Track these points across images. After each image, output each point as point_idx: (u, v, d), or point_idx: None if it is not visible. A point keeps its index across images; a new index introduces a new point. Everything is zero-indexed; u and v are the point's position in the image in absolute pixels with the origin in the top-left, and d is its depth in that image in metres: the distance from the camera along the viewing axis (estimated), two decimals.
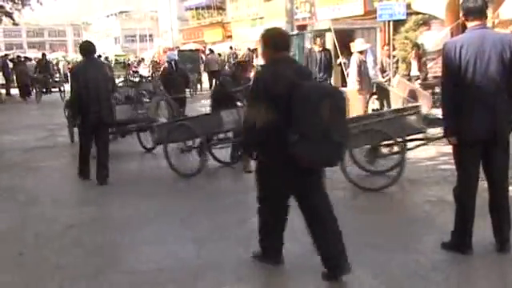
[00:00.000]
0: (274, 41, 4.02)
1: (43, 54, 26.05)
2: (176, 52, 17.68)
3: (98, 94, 7.08)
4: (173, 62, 11.70)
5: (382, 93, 10.91)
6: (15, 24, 29.07)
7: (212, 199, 6.40)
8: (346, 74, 13.29)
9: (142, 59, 38.43)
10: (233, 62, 28.52)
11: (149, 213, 5.87)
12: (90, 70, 7.16)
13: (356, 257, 4.39)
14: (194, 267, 4.33)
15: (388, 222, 5.29)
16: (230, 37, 36.93)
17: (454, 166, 4.38)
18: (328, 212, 4.01)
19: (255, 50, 26.20)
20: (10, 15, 26.78)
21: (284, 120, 3.69)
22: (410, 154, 8.15)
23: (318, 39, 11.24)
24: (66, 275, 4.31)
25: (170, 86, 10.67)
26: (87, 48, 7.35)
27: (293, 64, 4.10)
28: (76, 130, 8.22)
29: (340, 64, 14.48)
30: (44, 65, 23.21)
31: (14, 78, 23.79)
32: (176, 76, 11.18)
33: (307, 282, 3.99)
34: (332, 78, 12.01)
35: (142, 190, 6.94)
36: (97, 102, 7.07)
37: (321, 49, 11.00)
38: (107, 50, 59.54)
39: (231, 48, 29.89)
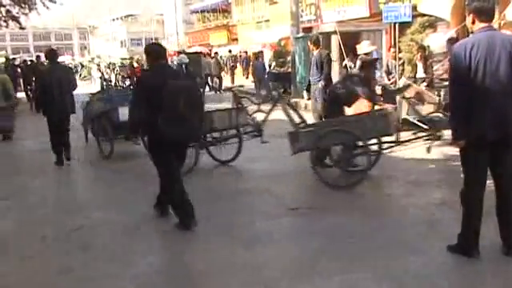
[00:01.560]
0: (153, 52, 5.50)
1: (38, 57, 23.82)
2: (185, 55, 17.50)
3: (61, 91, 8.67)
4: (183, 66, 11.84)
5: (388, 95, 10.86)
6: (22, 28, 29.12)
7: (217, 202, 6.39)
8: None
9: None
10: (231, 64, 28.66)
11: (155, 216, 5.86)
12: (56, 73, 8.78)
13: (360, 260, 4.38)
14: (199, 271, 4.33)
15: (393, 224, 5.26)
16: (236, 40, 37.02)
17: (459, 168, 4.36)
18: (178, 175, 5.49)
19: (261, 52, 26.25)
20: (16, 19, 26.89)
21: (157, 108, 5.03)
22: (415, 156, 8.15)
23: (308, 41, 11.17)
24: (71, 278, 4.32)
25: None
26: (53, 54, 9.22)
27: (166, 69, 5.63)
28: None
29: (345, 67, 14.41)
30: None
31: (21, 81, 23.65)
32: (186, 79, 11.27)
33: (316, 284, 3.98)
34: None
35: (149, 194, 6.94)
36: (60, 98, 8.66)
37: (317, 51, 10.92)
38: (113, 53, 59.72)
39: (230, 51, 29.97)
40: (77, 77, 34.96)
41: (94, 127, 9.94)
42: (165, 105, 5.05)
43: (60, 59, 45.65)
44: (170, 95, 5.07)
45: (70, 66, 37.01)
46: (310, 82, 11.17)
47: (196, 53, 28.90)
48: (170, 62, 28.38)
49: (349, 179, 6.77)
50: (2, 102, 12.07)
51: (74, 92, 9.14)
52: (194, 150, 7.54)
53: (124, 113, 9.20)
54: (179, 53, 26.73)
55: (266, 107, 8.83)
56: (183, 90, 5.20)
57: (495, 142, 4.07)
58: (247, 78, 28.53)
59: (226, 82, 25.64)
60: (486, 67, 3.98)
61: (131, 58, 31.99)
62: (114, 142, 9.23)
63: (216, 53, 28.95)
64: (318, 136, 6.74)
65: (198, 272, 4.30)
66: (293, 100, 16.49)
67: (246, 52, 30.88)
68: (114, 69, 37.89)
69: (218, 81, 24.58)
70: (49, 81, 8.71)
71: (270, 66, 24.39)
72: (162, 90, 5.05)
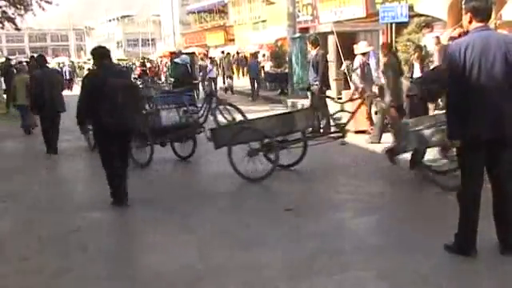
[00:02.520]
0: (98, 54, 6.43)
1: (32, 57, 21.39)
2: (187, 56, 17.26)
3: (51, 91, 9.79)
4: (188, 66, 11.87)
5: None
6: (17, 29, 28.95)
7: (215, 202, 6.39)
8: (348, 77, 13.26)
9: (212, 59, 28.54)
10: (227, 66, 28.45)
11: (152, 217, 5.86)
12: (47, 75, 10.11)
13: (358, 259, 4.39)
14: (197, 271, 4.32)
15: (391, 224, 5.27)
16: (233, 40, 37.00)
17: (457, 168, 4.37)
18: (126, 159, 6.45)
19: (257, 52, 26.22)
20: (12, 20, 26.75)
21: (99, 101, 5.97)
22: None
23: (307, 41, 11.24)
24: (67, 281, 4.31)
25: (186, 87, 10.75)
26: (42, 59, 10.61)
27: (111, 68, 6.61)
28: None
29: (347, 69, 14.43)
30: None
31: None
32: (191, 79, 11.32)
33: (315, 284, 3.97)
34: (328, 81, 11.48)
35: (146, 195, 6.94)
36: (50, 97, 9.73)
37: (314, 50, 10.95)
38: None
39: (222, 52, 29.86)
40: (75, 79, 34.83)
41: None
42: (106, 99, 5.97)
43: (59, 60, 44.95)
44: (110, 91, 5.98)
45: (69, 67, 36.71)
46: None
47: (190, 53, 28.71)
48: (168, 62, 28.40)
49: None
50: (26, 100, 12.32)
51: (70, 93, 9.21)
52: (274, 154, 7.21)
53: (169, 116, 8.67)
54: (173, 53, 26.53)
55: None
56: (121, 87, 6.16)
57: (491, 141, 4.08)
58: (243, 77, 28.46)
59: (219, 82, 25.43)
60: (481, 67, 3.99)
61: (143, 59, 31.74)
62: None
63: (228, 53, 28.02)
64: (428, 134, 6.26)
65: (195, 273, 4.29)
66: (290, 100, 16.55)
67: (238, 53, 30.82)
68: None
69: (231, 81, 24.05)
70: (41, 83, 9.84)
71: (263, 67, 24.31)
72: (103, 86, 5.99)
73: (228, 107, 10.17)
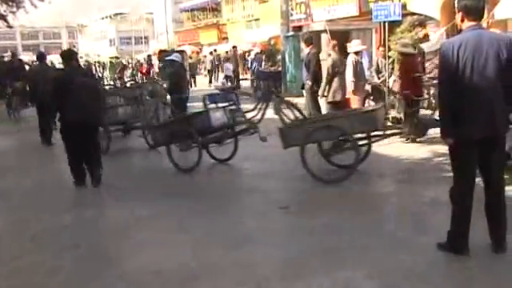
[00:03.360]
0: (66, 56, 7.45)
1: (14, 54, 20.48)
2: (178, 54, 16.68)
3: (44, 85, 9.88)
4: (184, 66, 11.82)
5: (378, 94, 10.91)
6: (9, 27, 28.76)
7: (209, 201, 6.38)
8: None
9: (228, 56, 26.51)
10: (216, 63, 28.27)
11: (146, 215, 5.85)
12: (43, 70, 11.05)
13: (352, 258, 4.40)
14: (191, 270, 4.32)
15: (384, 222, 5.28)
16: (226, 38, 36.97)
17: (449, 166, 4.38)
18: (96, 150, 7.28)
19: (250, 51, 26.22)
20: (4, 18, 26.58)
21: (66, 98, 6.82)
22: (404, 154, 8.20)
23: (300, 40, 11.27)
24: (61, 279, 4.29)
25: (182, 86, 10.70)
26: (42, 56, 11.96)
27: (77, 69, 7.69)
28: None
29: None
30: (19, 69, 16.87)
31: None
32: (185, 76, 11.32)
33: (308, 283, 3.98)
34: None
35: (140, 192, 6.93)
36: (42, 91, 10.17)
37: (307, 49, 10.97)
38: (102, 52, 59.33)
39: (215, 51, 29.75)
40: None
41: (155, 136, 8.72)
42: (71, 96, 6.79)
43: (52, 58, 44.94)
44: (76, 89, 6.83)
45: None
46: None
47: (180, 51, 28.51)
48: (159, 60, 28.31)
49: None
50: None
51: None
52: (355, 152, 6.82)
53: (217, 117, 7.96)
54: (163, 51, 26.33)
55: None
56: (86, 85, 7.09)
57: (483, 139, 4.09)
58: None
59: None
60: (473, 66, 4.00)
61: (148, 56, 31.49)
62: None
63: (234, 46, 26.59)
64: None
65: (189, 271, 4.29)
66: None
67: (213, 49, 30.66)
68: (103, 67, 37.48)
69: (232, 78, 23.06)
70: (36, 76, 10.91)
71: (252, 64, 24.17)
72: (70, 84, 6.86)
73: (291, 107, 9.84)
